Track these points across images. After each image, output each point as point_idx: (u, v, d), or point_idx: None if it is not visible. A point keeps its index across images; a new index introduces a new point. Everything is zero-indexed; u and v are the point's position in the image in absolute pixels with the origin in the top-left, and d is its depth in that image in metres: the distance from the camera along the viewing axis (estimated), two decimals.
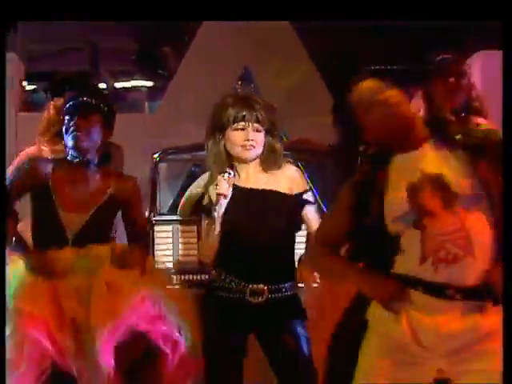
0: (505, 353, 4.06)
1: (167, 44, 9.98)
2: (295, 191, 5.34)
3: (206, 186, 5.43)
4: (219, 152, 5.27)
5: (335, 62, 9.71)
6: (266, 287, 5.18)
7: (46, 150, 6.78)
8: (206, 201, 5.42)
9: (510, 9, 5.12)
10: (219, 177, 5.25)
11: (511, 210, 4.20)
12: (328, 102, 8.10)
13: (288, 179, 5.37)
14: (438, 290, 4.26)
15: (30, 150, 6.95)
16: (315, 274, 5.68)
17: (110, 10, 7.43)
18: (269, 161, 5.31)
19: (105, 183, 5.86)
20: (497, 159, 4.36)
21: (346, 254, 4.66)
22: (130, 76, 10.22)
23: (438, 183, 4.29)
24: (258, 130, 5.20)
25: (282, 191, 5.30)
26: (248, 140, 5.18)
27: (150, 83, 11.47)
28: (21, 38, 9.43)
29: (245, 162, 5.28)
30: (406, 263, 4.31)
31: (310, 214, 5.44)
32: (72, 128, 5.82)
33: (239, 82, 7.83)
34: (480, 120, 5.71)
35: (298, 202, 5.39)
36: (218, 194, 5.22)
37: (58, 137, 6.36)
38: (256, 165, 5.33)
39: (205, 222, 5.43)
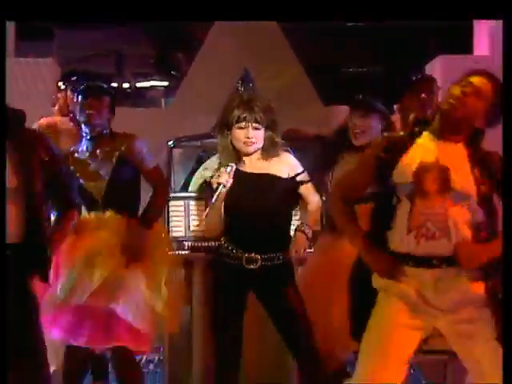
0: (505, 353, 4.13)
1: (180, 50, 10.06)
2: (291, 174, 5.54)
3: (216, 171, 5.62)
4: (227, 145, 5.48)
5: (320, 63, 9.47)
6: (259, 256, 5.41)
7: (63, 120, 7.04)
8: (214, 184, 5.58)
9: (510, 9, 4.99)
10: (222, 169, 5.47)
11: (511, 210, 4.26)
12: (313, 99, 8.45)
13: (285, 165, 5.56)
14: (425, 262, 4.38)
15: (48, 120, 7.13)
16: (306, 244, 5.65)
17: (113, 11, 7.05)
18: (268, 152, 5.49)
19: (113, 148, 6.03)
20: (496, 178, 4.45)
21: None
22: (148, 77, 10.30)
23: (443, 174, 4.36)
24: (257, 128, 5.40)
25: (278, 175, 5.49)
26: (248, 138, 5.40)
27: (165, 83, 11.52)
28: (57, 44, 9.60)
29: (247, 155, 5.47)
30: (396, 236, 4.43)
31: (307, 189, 5.63)
32: (86, 107, 6.02)
33: (240, 82, 7.95)
34: None
35: (293, 183, 5.57)
36: (218, 183, 5.43)
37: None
38: (257, 154, 5.52)
39: (210, 203, 5.59)
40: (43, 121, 7.10)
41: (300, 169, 5.62)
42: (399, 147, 4.51)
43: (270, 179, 5.50)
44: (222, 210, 5.51)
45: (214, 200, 5.44)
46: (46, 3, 6.77)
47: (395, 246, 4.41)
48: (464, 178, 4.38)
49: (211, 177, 5.65)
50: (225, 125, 5.47)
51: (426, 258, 4.37)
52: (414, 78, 5.41)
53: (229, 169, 5.43)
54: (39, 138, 4.91)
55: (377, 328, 4.54)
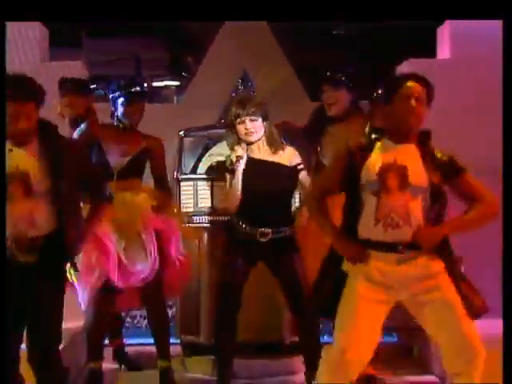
0: (505, 353, 4.36)
1: (189, 54, 10.14)
2: (293, 163, 5.95)
3: (227, 156, 6.04)
4: (235, 139, 5.95)
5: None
6: (270, 230, 5.84)
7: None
8: (228, 163, 5.98)
9: (510, 8, 5.05)
10: (236, 146, 5.90)
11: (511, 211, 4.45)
12: (301, 96, 8.61)
13: (288, 156, 5.96)
14: (392, 248, 4.56)
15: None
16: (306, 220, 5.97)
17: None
18: (273, 144, 5.95)
19: (139, 141, 6.43)
20: (444, 170, 4.65)
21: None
22: (162, 78, 10.40)
23: (402, 172, 4.55)
24: (253, 120, 5.85)
25: (283, 163, 5.91)
26: (247, 129, 5.84)
27: (177, 83, 11.53)
28: (85, 50, 9.73)
29: (251, 143, 5.91)
30: (365, 227, 4.61)
31: (304, 177, 6.00)
32: (131, 112, 6.38)
33: (240, 81, 8.03)
34: None
35: (295, 170, 5.96)
36: (237, 156, 5.84)
37: None
38: (265, 145, 5.95)
39: (228, 180, 5.97)
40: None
41: (299, 159, 6.00)
42: (362, 152, 4.69)
43: (277, 167, 5.91)
44: (241, 181, 5.85)
45: (237, 172, 5.83)
46: (49, 4, 6.89)
47: (365, 235, 4.61)
48: (418, 174, 4.57)
49: (228, 156, 6.00)
50: (229, 125, 5.96)
51: (392, 244, 4.55)
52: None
53: (243, 145, 5.89)
54: (71, 146, 5.12)
55: (348, 305, 4.66)
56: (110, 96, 6.59)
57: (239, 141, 5.94)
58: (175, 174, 7.17)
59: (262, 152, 5.95)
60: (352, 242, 4.64)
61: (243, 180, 5.87)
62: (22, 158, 4.71)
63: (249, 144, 5.93)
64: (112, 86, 6.72)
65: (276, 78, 8.51)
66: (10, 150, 4.74)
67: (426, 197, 4.58)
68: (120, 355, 7.31)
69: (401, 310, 6.06)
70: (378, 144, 4.73)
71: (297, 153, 6.04)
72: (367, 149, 4.72)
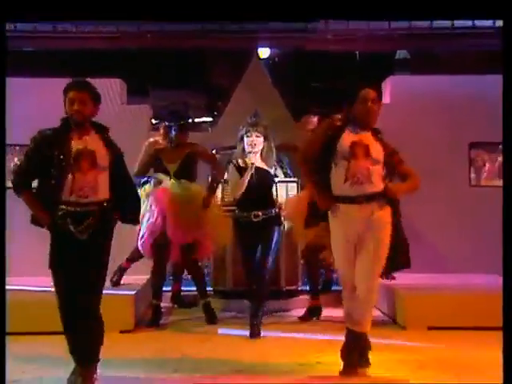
0: (505, 353, 3.66)
1: (219, 101, 10.11)
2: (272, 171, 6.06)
3: (243, 159, 5.95)
4: (242, 148, 5.96)
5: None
6: (260, 212, 5.93)
7: (158, 140, 7.04)
8: (242, 165, 5.94)
9: (510, 8, 4.17)
10: (250, 155, 5.87)
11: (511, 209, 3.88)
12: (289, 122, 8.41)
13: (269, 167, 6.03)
14: (354, 200, 4.49)
15: (152, 140, 7.10)
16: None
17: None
18: (267, 155, 5.97)
19: (184, 150, 6.58)
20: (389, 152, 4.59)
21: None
22: (201, 115, 10.44)
23: (364, 147, 4.51)
24: (257, 136, 5.91)
25: (268, 169, 6.00)
26: (252, 141, 5.90)
27: (210, 119, 11.46)
28: (150, 98, 9.76)
29: (254, 153, 5.91)
30: (337, 183, 4.56)
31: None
32: (179, 134, 6.60)
33: (252, 116, 8.03)
34: None
35: (274, 174, 6.11)
36: (252, 163, 5.88)
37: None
38: (260, 157, 5.94)
39: (239, 178, 5.92)
40: (151, 139, 7.10)
41: (273, 168, 6.06)
42: (338, 130, 4.60)
43: (266, 172, 6.01)
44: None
45: (247, 173, 5.83)
46: (49, 4, 5.88)
47: (336, 192, 4.57)
48: (377, 150, 4.56)
49: (239, 162, 5.95)
50: (240, 138, 5.97)
51: (355, 197, 4.49)
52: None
53: (253, 156, 5.90)
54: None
55: (334, 249, 4.68)
56: (167, 125, 6.81)
57: (243, 151, 5.95)
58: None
59: (260, 162, 5.97)
60: (326, 195, 4.61)
61: (250, 180, 5.93)
62: (90, 141, 4.36)
63: (252, 153, 5.92)
64: (168, 119, 6.86)
65: (275, 112, 8.21)
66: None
67: (380, 167, 4.56)
68: (176, 297, 7.37)
69: None
70: (347, 129, 4.62)
71: (275, 170, 6.16)
72: (340, 130, 4.62)
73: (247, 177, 5.90)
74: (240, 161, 5.99)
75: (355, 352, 4.62)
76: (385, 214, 4.57)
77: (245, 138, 5.92)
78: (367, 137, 4.61)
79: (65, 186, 4.24)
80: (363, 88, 4.61)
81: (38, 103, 7.53)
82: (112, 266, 6.65)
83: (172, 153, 6.65)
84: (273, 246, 6.00)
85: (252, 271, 5.97)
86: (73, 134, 4.36)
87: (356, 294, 4.55)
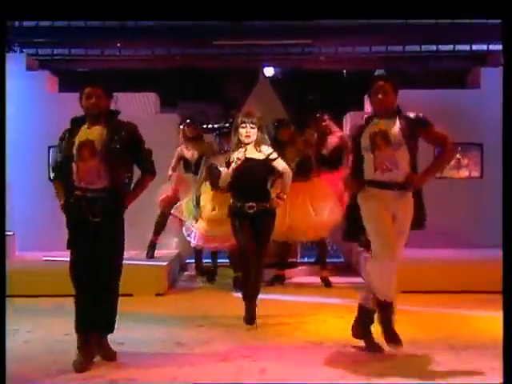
0: (505, 353, 3.15)
1: (233, 109, 10.07)
2: (266, 153, 4.96)
3: (229, 155, 5.03)
4: (237, 140, 4.97)
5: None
6: (255, 204, 4.91)
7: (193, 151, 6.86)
8: (228, 160, 5.00)
9: (510, 8, 3.58)
10: (236, 152, 4.94)
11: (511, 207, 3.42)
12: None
13: (264, 151, 4.97)
14: (385, 185, 4.04)
15: (182, 149, 6.94)
16: (280, 202, 5.07)
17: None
18: (258, 144, 4.95)
19: (202, 146, 6.70)
20: (421, 131, 4.09)
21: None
22: (218, 123, 10.46)
23: (383, 134, 4.04)
24: (252, 127, 4.93)
25: (259, 158, 4.94)
26: (247, 132, 4.92)
27: (226, 125, 11.54)
28: (178, 108, 9.74)
29: (247, 143, 4.94)
30: (368, 172, 4.10)
31: (278, 163, 5.02)
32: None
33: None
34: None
35: (268, 160, 4.98)
36: (238, 158, 4.90)
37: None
38: (253, 146, 4.96)
39: (224, 171, 5.00)
40: (181, 148, 6.95)
41: (270, 150, 5.02)
42: (362, 128, 4.17)
43: (258, 162, 4.96)
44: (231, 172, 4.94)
45: (232, 166, 4.91)
46: (49, 3, 5.26)
47: (369, 178, 4.10)
48: (395, 134, 4.05)
49: (229, 156, 5.02)
50: (236, 129, 4.99)
51: (386, 183, 4.04)
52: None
53: (242, 151, 4.92)
54: (129, 128, 4.09)
55: (371, 219, 4.11)
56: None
57: (239, 141, 4.99)
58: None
59: (250, 151, 4.97)
60: (350, 178, 4.23)
61: (240, 171, 4.93)
62: (92, 133, 4.00)
63: (246, 145, 4.97)
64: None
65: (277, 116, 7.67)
66: (88, 128, 4.04)
67: (405, 148, 4.05)
68: (200, 267, 7.18)
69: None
70: (371, 121, 4.17)
71: (268, 148, 5.02)
72: (364, 126, 4.17)
73: (230, 171, 4.97)
74: (234, 153, 5.01)
75: (390, 323, 4.10)
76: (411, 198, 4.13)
77: (239, 129, 4.99)
78: (389, 123, 4.11)
79: (74, 174, 3.97)
80: (375, 81, 4.18)
81: None
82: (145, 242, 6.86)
83: (192, 148, 6.88)
84: (269, 235, 5.15)
85: (251, 260, 4.99)
86: (85, 126, 4.05)
87: (390, 267, 4.04)
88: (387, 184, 4.06)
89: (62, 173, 4.11)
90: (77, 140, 4.01)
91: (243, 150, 4.96)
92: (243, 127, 4.96)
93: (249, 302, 4.93)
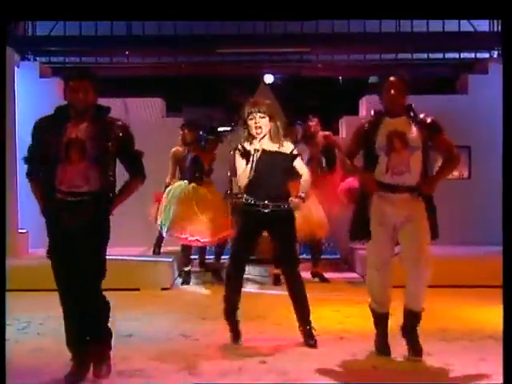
0: (505, 352, 2.87)
1: (235, 115, 10.12)
2: (289, 150, 4.10)
3: (238, 146, 4.13)
4: (245, 134, 4.07)
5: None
6: (270, 204, 4.04)
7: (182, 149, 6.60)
8: (246, 152, 4.06)
9: (510, 8, 3.34)
10: (255, 141, 4.06)
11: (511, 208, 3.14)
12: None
13: (286, 147, 4.09)
14: (394, 188, 3.70)
15: (177, 149, 6.64)
16: (300, 202, 4.16)
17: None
18: (274, 136, 4.07)
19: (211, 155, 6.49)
20: (433, 136, 3.76)
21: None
22: (221, 126, 10.47)
23: (401, 136, 3.70)
24: (262, 117, 4.03)
25: (280, 151, 4.09)
26: (256, 123, 4.01)
27: (229, 128, 11.56)
28: (183, 113, 9.65)
29: (258, 136, 4.06)
30: (379, 173, 3.74)
31: (299, 163, 4.21)
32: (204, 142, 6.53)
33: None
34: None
35: (290, 156, 4.14)
36: (255, 149, 4.03)
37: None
38: (269, 139, 4.07)
39: (242, 167, 4.06)
40: (177, 148, 6.66)
41: (292, 147, 4.20)
42: (374, 126, 3.80)
43: (278, 155, 4.09)
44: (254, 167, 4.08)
45: (251, 160, 4.02)
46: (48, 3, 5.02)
47: (379, 179, 3.75)
48: (414, 137, 3.73)
49: (245, 146, 4.11)
50: (243, 121, 4.11)
51: (396, 186, 3.71)
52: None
53: (256, 143, 4.05)
54: (119, 128, 3.50)
55: (372, 224, 3.79)
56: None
57: (249, 136, 4.11)
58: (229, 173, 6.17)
59: (269, 145, 4.10)
60: (370, 176, 3.78)
61: (258, 164, 4.07)
62: (81, 130, 3.41)
63: (260, 138, 4.09)
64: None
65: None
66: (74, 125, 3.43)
67: (420, 152, 3.74)
68: (203, 263, 7.18)
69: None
70: (384, 120, 3.81)
71: (291, 144, 4.23)
72: (376, 123, 3.81)
73: (251, 163, 4.08)
74: (246, 144, 4.13)
75: (414, 333, 3.79)
76: (421, 205, 3.78)
77: (248, 122, 4.10)
78: (403, 123, 3.78)
79: (57, 176, 3.36)
80: (387, 79, 3.82)
81: None
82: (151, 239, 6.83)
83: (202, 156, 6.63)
84: (293, 240, 4.28)
85: (239, 270, 4.23)
86: (70, 122, 3.45)
87: (414, 274, 3.72)
88: (396, 187, 3.73)
89: (39, 171, 3.47)
90: (64, 138, 3.39)
91: (257, 140, 4.10)
92: (251, 119, 4.09)
93: (232, 319, 4.22)
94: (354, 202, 4.12)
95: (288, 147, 4.18)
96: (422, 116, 3.82)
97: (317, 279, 6.50)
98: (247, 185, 4.11)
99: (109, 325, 3.52)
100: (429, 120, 3.81)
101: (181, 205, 6.30)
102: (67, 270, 3.37)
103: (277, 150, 4.11)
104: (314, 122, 6.75)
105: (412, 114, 3.81)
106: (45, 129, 3.47)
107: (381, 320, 3.87)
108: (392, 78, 3.79)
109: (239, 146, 4.13)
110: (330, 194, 6.37)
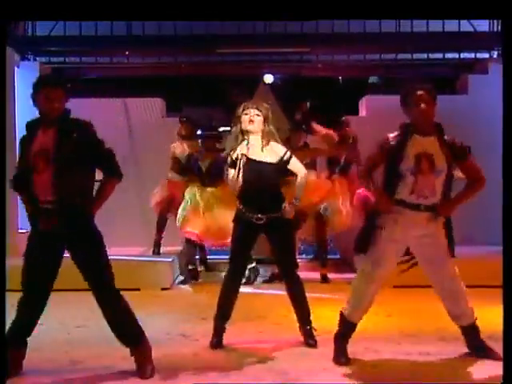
0: (505, 352, 2.92)
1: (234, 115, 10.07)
2: (278, 157, 3.97)
3: (229, 152, 4.03)
4: (237, 133, 3.99)
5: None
6: (264, 216, 3.94)
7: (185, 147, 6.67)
8: (230, 160, 4.00)
9: (509, 8, 3.27)
10: (239, 148, 3.98)
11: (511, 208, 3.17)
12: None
13: (273, 152, 3.97)
14: (416, 207, 3.57)
15: (176, 145, 6.70)
16: (293, 210, 4.05)
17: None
18: (265, 137, 3.97)
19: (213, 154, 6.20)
20: (455, 155, 3.62)
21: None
22: (222, 126, 10.48)
23: (429, 158, 3.54)
24: (257, 115, 3.94)
25: (270, 161, 3.96)
26: (250, 116, 3.91)
27: (229, 128, 11.59)
28: (183, 113, 9.66)
29: (251, 133, 3.94)
30: (403, 193, 3.57)
31: (293, 164, 4.04)
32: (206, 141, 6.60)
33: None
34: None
35: (282, 163, 4.00)
36: (242, 154, 3.93)
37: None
38: (259, 145, 3.95)
39: (232, 172, 3.99)
40: (175, 144, 6.73)
41: (283, 150, 4.04)
42: (401, 143, 3.60)
43: (266, 165, 3.96)
44: (242, 172, 3.98)
45: (238, 166, 3.94)
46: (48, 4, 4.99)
47: (401, 198, 3.59)
48: (440, 160, 3.58)
49: (230, 153, 4.03)
50: (237, 119, 3.99)
51: (418, 205, 3.58)
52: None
53: (244, 146, 3.97)
54: (86, 129, 3.43)
55: (378, 249, 3.66)
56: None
57: (241, 133, 3.99)
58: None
59: (256, 151, 3.96)
60: (386, 198, 3.63)
61: (247, 174, 3.97)
62: (47, 140, 3.38)
63: (249, 133, 3.96)
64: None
65: (278, 124, 7.84)
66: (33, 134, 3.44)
67: (444, 175, 3.62)
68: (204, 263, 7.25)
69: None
70: (412, 137, 3.61)
71: (280, 146, 4.05)
72: (404, 141, 3.60)
73: (238, 170, 3.97)
74: (234, 151, 4.01)
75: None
76: (439, 224, 3.69)
77: (242, 116, 3.96)
78: (432, 143, 3.61)
79: (33, 186, 3.37)
80: (415, 91, 3.60)
81: (101, 117, 7.49)
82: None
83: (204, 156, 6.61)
84: (290, 244, 4.21)
85: (234, 278, 4.17)
86: (40, 132, 3.43)
87: (448, 292, 3.73)
88: (418, 206, 3.60)
89: (21, 184, 3.47)
90: (33, 149, 3.39)
91: (245, 143, 3.99)
92: (246, 113, 3.96)
93: (217, 324, 4.16)
94: (365, 213, 3.99)
95: (279, 152, 4.01)
96: (450, 138, 3.67)
97: (318, 279, 6.52)
98: (239, 193, 4.03)
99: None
100: (456, 142, 3.66)
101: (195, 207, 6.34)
102: (34, 272, 3.44)
103: (263, 159, 3.97)
104: (348, 126, 6.70)
105: (441, 135, 3.64)
106: (21, 143, 3.51)
107: (350, 330, 3.82)
108: (421, 92, 3.60)
109: (231, 153, 4.01)
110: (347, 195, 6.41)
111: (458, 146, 3.66)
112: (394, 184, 3.63)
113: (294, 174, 4.16)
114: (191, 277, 6.49)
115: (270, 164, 3.97)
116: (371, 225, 3.70)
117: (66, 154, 3.35)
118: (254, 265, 6.34)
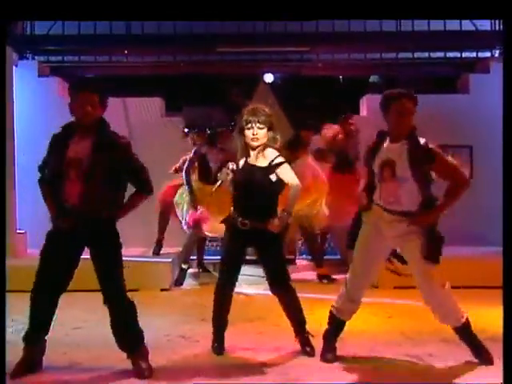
0: (505, 353, 2.89)
1: (235, 115, 10.07)
2: (268, 161, 3.86)
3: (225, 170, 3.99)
4: (241, 143, 3.90)
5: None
6: (247, 222, 3.83)
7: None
8: (223, 176, 3.97)
9: (511, 7, 3.25)
10: (229, 164, 3.96)
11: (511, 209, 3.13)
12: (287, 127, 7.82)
13: (264, 156, 3.86)
14: (388, 211, 3.57)
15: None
16: (281, 224, 3.85)
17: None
18: (266, 146, 3.87)
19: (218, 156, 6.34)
20: (431, 165, 3.55)
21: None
22: (221, 125, 10.41)
23: (391, 165, 3.54)
24: (260, 128, 3.83)
25: (259, 165, 3.87)
26: (254, 135, 3.82)
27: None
28: (183, 113, 9.55)
29: (254, 148, 3.87)
30: (376, 198, 3.62)
31: (284, 170, 3.87)
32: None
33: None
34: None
35: (271, 167, 3.86)
36: (232, 170, 3.88)
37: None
38: (259, 149, 3.88)
39: (217, 185, 4.14)
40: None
41: (274, 155, 3.89)
42: (373, 151, 3.69)
43: (254, 169, 3.88)
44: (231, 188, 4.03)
45: (225, 181, 3.98)
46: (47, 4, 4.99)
47: (376, 201, 3.62)
48: (403, 167, 3.52)
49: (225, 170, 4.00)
50: (240, 129, 3.91)
51: (389, 210, 3.58)
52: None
53: (230, 167, 3.96)
54: (122, 143, 3.49)
55: (360, 243, 3.74)
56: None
57: (245, 145, 3.93)
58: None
59: (254, 156, 3.93)
60: (363, 195, 3.72)
61: (240, 178, 3.92)
62: (82, 149, 3.42)
63: (255, 149, 3.91)
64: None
65: (279, 123, 7.85)
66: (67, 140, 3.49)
67: (412, 183, 3.52)
68: (201, 264, 7.22)
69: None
70: (383, 144, 3.66)
71: (273, 152, 3.91)
72: (376, 148, 3.69)
73: (233, 173, 3.96)
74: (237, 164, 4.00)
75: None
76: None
77: (246, 131, 3.89)
78: (397, 150, 3.58)
79: (62, 192, 3.44)
80: (396, 99, 3.57)
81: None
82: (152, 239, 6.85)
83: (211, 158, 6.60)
84: (279, 259, 4.05)
85: (226, 284, 4.11)
86: (74, 139, 3.48)
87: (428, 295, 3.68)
88: (389, 211, 3.61)
89: (49, 182, 3.54)
90: (66, 156, 3.43)
91: (232, 165, 3.99)
92: (249, 128, 3.88)
93: (218, 331, 4.09)
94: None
95: (268, 157, 3.89)
96: (421, 142, 3.57)
97: (317, 279, 6.51)
98: (232, 196, 4.02)
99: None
100: (421, 147, 3.56)
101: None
102: (48, 274, 3.50)
103: (255, 163, 3.91)
104: (353, 121, 6.73)
105: (412, 140, 3.57)
106: (53, 146, 3.54)
107: (339, 328, 3.88)
108: (403, 100, 3.56)
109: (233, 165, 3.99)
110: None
111: (423, 149, 3.55)
112: (371, 187, 3.71)
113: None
114: (177, 279, 6.40)
115: (260, 168, 3.89)
116: (358, 223, 3.77)
117: (99, 168, 3.40)
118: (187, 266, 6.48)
